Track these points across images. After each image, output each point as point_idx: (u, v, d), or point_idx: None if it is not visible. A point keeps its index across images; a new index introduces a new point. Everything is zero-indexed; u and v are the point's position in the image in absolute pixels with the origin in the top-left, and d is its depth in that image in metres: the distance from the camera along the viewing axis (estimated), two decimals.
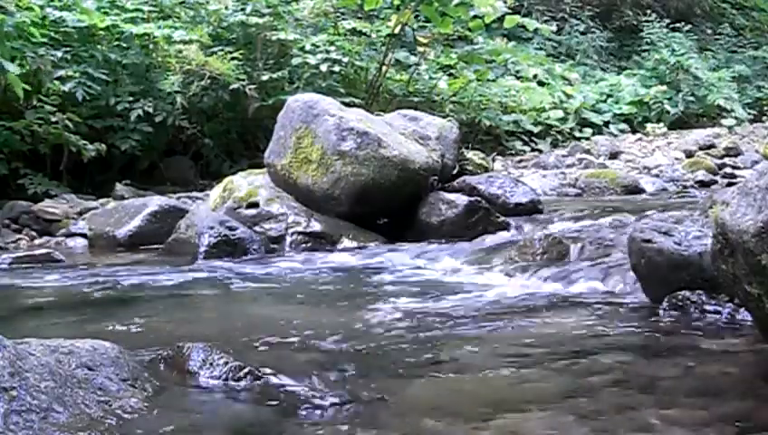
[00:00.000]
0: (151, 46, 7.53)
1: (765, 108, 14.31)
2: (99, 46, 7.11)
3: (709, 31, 16.54)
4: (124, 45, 7.31)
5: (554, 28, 11.91)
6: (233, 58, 7.69)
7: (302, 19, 8.99)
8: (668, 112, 12.37)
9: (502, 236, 4.75)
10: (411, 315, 3.07)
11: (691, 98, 12.86)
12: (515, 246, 4.11)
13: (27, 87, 5.65)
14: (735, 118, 12.97)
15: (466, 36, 10.34)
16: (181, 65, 7.45)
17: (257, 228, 4.72)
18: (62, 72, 6.62)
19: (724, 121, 12.72)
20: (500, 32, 11.39)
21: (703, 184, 7.81)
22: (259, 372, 2.25)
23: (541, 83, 11.83)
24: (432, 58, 10.32)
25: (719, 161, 8.85)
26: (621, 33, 15.68)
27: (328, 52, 8.31)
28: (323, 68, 8.16)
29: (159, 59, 7.55)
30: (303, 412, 2.05)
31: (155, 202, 5.18)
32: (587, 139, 11.12)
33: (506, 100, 10.74)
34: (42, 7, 6.63)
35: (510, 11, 9.54)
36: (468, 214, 4.84)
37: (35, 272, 4.15)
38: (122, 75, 7.23)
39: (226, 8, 8.22)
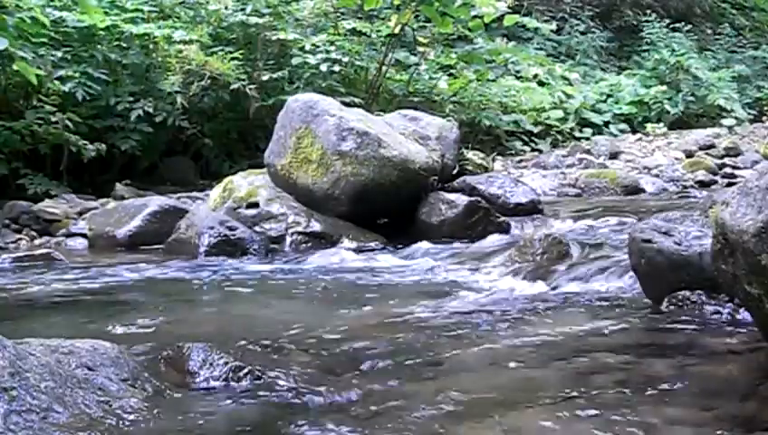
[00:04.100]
0: (151, 46, 7.53)
1: (765, 108, 14.29)
2: (99, 46, 7.11)
3: (709, 31, 16.53)
4: (124, 45, 7.31)
5: (554, 27, 11.89)
6: (233, 58, 7.69)
7: (302, 19, 8.98)
8: (668, 112, 12.36)
9: (502, 236, 4.75)
10: (411, 316, 3.07)
11: (691, 98, 12.85)
12: (515, 247, 4.11)
13: (34, 77, 5.63)
14: (735, 118, 12.96)
15: (466, 36, 10.33)
16: (181, 65, 7.44)
17: (257, 228, 4.72)
18: (62, 72, 6.62)
19: (724, 121, 12.71)
20: (500, 32, 11.37)
21: (703, 184, 7.81)
22: (259, 372, 2.25)
23: (541, 83, 11.81)
24: (432, 58, 10.31)
25: (719, 161, 8.84)
26: (621, 33, 15.66)
27: (328, 52, 8.31)
28: (323, 68, 8.15)
29: (159, 59, 7.55)
30: (303, 412, 2.05)
31: (155, 202, 5.18)
32: (587, 139, 11.11)
33: (506, 100, 10.73)
34: (42, 7, 6.63)
35: (510, 10, 9.53)
36: (468, 214, 4.84)
37: (35, 272, 4.15)
38: (122, 75, 7.23)
39: (226, 8, 8.21)
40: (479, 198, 5.04)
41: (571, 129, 11.42)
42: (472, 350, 2.58)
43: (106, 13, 7.21)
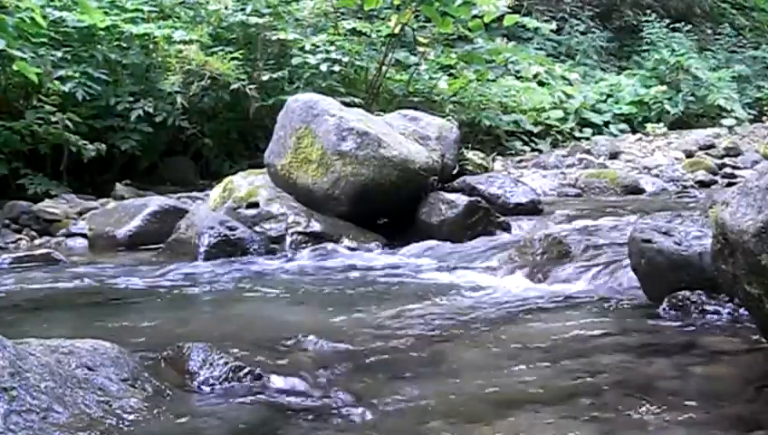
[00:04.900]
0: (151, 46, 7.53)
1: (765, 108, 14.30)
2: (99, 46, 7.11)
3: (709, 31, 16.53)
4: (124, 45, 7.31)
5: (554, 27, 11.90)
6: (233, 58, 7.69)
7: (302, 19, 8.98)
8: (668, 112, 12.36)
9: (502, 236, 4.75)
10: (411, 315, 3.07)
11: (691, 98, 12.85)
12: (515, 246, 4.11)
13: (35, 76, 5.63)
14: (735, 118, 12.96)
15: (466, 36, 10.34)
16: (181, 65, 7.44)
17: (257, 228, 4.72)
18: (62, 72, 6.62)
19: (724, 121, 12.71)
20: (500, 32, 11.38)
21: (703, 184, 7.81)
22: (259, 372, 2.25)
23: (541, 83, 11.82)
24: (432, 58, 10.31)
25: (719, 161, 8.85)
26: (621, 33, 15.66)
27: (328, 52, 8.31)
28: (323, 68, 8.16)
29: (159, 59, 7.55)
30: (303, 412, 2.05)
31: (155, 202, 5.18)
32: (587, 139, 11.12)
33: (506, 100, 10.73)
34: (42, 7, 6.63)
35: (510, 10, 9.53)
36: (468, 214, 4.84)
37: (35, 272, 4.15)
38: (122, 75, 7.23)
39: (226, 8, 8.22)
40: (479, 198, 5.04)
41: (571, 129, 11.42)
42: (472, 350, 2.58)
43: (106, 13, 7.21)
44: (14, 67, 5.75)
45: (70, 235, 5.24)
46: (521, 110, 10.80)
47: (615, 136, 11.57)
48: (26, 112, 6.44)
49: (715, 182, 7.93)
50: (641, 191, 7.23)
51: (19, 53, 5.68)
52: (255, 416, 2.03)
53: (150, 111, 7.05)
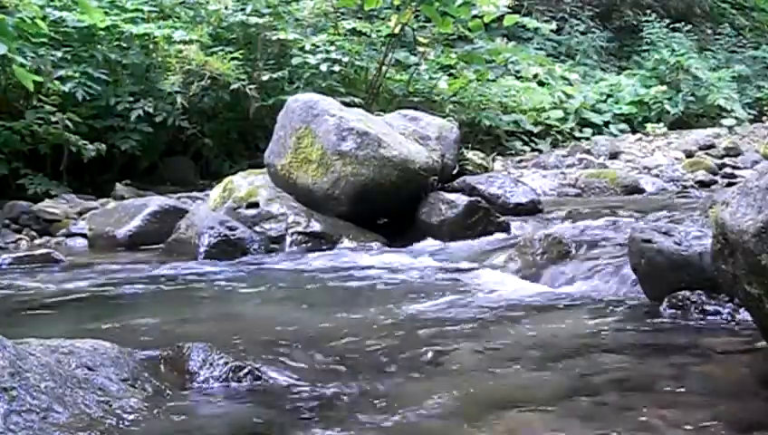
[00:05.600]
0: (151, 46, 7.53)
1: (765, 108, 14.29)
2: (99, 46, 7.12)
3: (709, 31, 16.52)
4: (124, 45, 7.32)
5: (554, 27, 11.90)
6: (233, 58, 7.70)
7: (302, 19, 8.99)
8: (668, 112, 12.36)
9: (502, 236, 4.75)
10: (411, 315, 3.07)
11: (691, 98, 12.85)
12: (515, 246, 4.11)
13: (31, 83, 5.63)
14: (735, 118, 12.95)
15: (466, 36, 10.34)
16: (181, 65, 7.45)
17: (257, 228, 4.72)
18: (62, 72, 6.62)
19: (724, 121, 12.71)
20: (500, 32, 11.38)
21: (703, 184, 7.81)
22: (259, 372, 2.25)
23: (541, 83, 11.82)
24: (432, 58, 10.32)
25: (719, 161, 8.85)
26: (621, 33, 15.66)
27: (328, 52, 8.32)
28: (323, 68, 8.16)
29: (159, 59, 7.56)
30: (303, 412, 2.05)
31: (155, 202, 5.18)
32: (587, 139, 11.12)
33: (506, 100, 10.73)
34: (42, 7, 6.63)
35: (510, 10, 9.54)
36: (468, 214, 4.84)
37: (35, 272, 4.15)
38: (122, 75, 7.24)
39: (226, 8, 8.22)
40: (479, 198, 5.04)
41: (571, 129, 11.42)
42: (472, 350, 2.58)
43: (106, 13, 7.21)
44: (16, 69, 5.75)
45: (70, 235, 5.24)
46: (521, 110, 10.80)
47: (615, 136, 11.57)
48: (26, 112, 6.44)
49: (715, 182, 7.92)
50: (641, 191, 7.22)
51: (20, 59, 5.67)
52: (255, 416, 2.03)
53: (150, 111, 7.06)
